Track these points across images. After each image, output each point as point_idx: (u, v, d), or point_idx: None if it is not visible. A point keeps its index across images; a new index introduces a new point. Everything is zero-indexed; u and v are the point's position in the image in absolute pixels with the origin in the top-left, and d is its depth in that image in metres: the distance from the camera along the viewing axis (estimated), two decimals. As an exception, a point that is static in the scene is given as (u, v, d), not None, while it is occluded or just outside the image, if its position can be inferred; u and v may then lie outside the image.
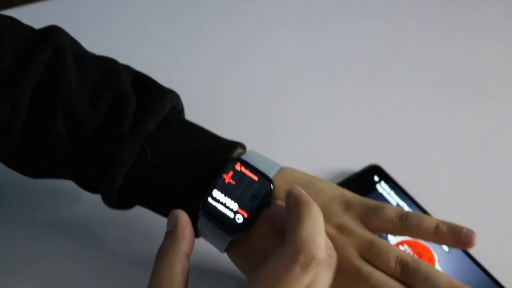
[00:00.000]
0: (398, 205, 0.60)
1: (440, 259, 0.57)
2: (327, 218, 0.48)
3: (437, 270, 0.48)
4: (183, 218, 0.46)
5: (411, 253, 0.57)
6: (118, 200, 0.53)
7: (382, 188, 0.61)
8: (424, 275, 0.47)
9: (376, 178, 0.62)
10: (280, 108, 0.69)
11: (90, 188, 0.54)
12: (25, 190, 0.60)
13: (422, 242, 0.57)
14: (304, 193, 0.45)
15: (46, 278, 0.55)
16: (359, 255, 0.48)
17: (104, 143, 0.51)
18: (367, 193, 0.61)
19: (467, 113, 0.70)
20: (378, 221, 0.49)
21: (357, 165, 0.63)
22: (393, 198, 0.61)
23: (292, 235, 0.43)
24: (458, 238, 0.48)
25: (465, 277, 0.56)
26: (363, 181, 0.62)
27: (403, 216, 0.49)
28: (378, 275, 0.47)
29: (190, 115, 0.57)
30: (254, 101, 0.70)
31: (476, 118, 0.70)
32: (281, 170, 0.52)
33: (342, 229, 0.49)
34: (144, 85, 0.54)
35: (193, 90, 0.65)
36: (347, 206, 0.50)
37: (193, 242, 0.46)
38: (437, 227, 0.49)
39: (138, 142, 0.51)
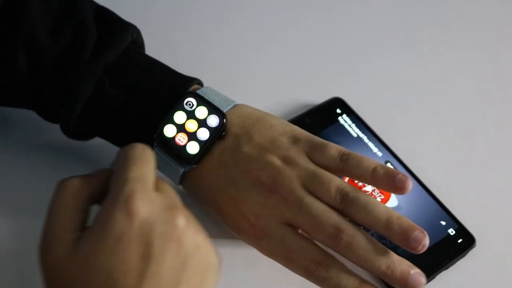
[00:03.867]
0: (358, 137, 0.61)
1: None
2: (275, 150, 0.50)
3: (377, 201, 0.49)
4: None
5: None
6: (76, 130, 0.54)
7: (344, 120, 0.62)
8: (363, 204, 0.49)
9: (338, 110, 0.63)
10: (240, 42, 0.69)
11: (50, 117, 0.55)
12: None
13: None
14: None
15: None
16: (302, 186, 0.49)
17: (64, 73, 0.52)
18: (328, 125, 0.62)
19: (431, 46, 0.71)
20: (321, 157, 0.51)
21: (319, 98, 0.64)
22: (354, 130, 0.62)
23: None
24: (392, 182, 0.49)
25: (417, 204, 0.58)
26: (325, 113, 0.63)
27: (344, 156, 0.50)
28: (318, 205, 0.49)
29: (150, 51, 0.57)
30: (213, 36, 0.69)
31: (441, 51, 0.70)
32: (235, 106, 0.53)
33: (288, 161, 0.50)
34: (105, 18, 0.54)
35: (152, 26, 0.65)
36: (295, 140, 0.51)
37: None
38: (374, 169, 0.50)
39: (97, 72, 0.52)
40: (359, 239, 0.48)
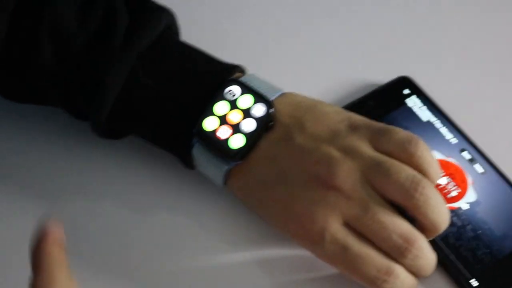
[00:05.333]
0: (429, 122, 0.56)
1: (474, 181, 0.53)
2: (332, 140, 0.47)
3: (444, 203, 0.46)
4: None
5: (443, 174, 0.53)
6: (108, 128, 0.51)
7: (413, 102, 0.57)
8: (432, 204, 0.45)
9: (406, 91, 0.58)
10: (296, 15, 0.64)
11: (78, 114, 0.52)
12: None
13: (454, 162, 0.54)
14: None
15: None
16: (365, 180, 0.45)
17: (92, 62, 0.49)
18: (394, 108, 0.57)
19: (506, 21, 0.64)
20: (386, 143, 0.47)
21: (384, 77, 0.59)
22: (424, 114, 0.57)
23: None
24: None
25: (500, 199, 0.53)
26: (391, 94, 0.58)
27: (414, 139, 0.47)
28: (385, 208, 0.45)
29: (186, 36, 0.54)
30: (261, 11, 0.64)
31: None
32: (283, 94, 0.50)
33: (348, 151, 0.46)
34: (137, 2, 0.51)
35: (188, 9, 0.60)
36: (354, 128, 0.48)
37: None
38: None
39: (129, 62, 0.49)
40: (426, 253, 0.46)
